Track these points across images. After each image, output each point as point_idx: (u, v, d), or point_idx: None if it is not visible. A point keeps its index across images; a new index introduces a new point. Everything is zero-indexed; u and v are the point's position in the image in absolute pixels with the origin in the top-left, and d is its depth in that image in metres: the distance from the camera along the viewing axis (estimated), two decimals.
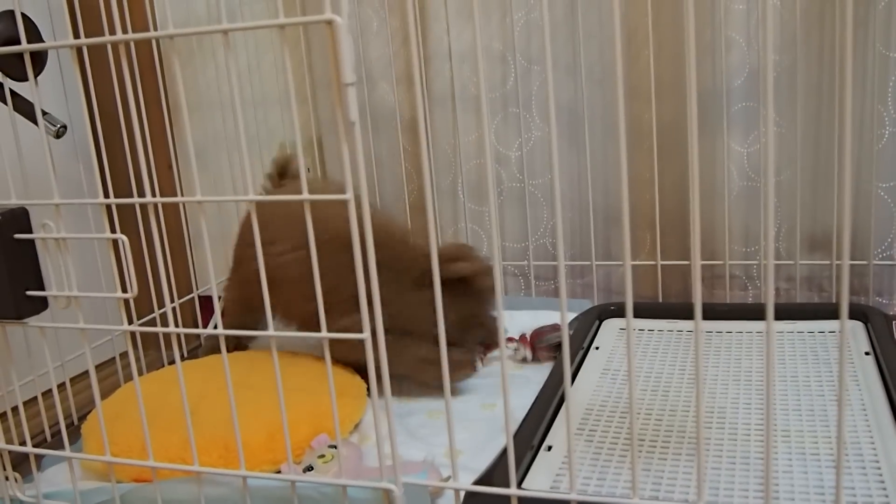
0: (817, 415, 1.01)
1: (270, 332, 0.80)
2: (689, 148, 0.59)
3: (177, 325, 1.54)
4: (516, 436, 0.99)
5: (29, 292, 0.86)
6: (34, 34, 0.99)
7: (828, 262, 1.45)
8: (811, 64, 1.40)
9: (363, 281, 0.72)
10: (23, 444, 0.95)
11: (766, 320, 0.63)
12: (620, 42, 0.63)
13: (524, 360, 1.34)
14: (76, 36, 1.24)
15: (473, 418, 1.19)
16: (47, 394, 0.99)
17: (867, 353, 1.16)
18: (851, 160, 1.38)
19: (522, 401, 1.09)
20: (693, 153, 0.62)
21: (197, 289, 1.61)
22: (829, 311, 1.30)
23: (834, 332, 1.26)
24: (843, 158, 0.59)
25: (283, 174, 1.43)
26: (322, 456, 1.03)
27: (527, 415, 1.06)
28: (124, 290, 0.82)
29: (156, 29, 1.48)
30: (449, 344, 0.77)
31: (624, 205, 0.66)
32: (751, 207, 1.48)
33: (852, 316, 1.27)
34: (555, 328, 1.35)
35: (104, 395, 1.18)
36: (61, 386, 1.17)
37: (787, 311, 1.31)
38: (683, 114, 1.46)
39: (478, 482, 0.88)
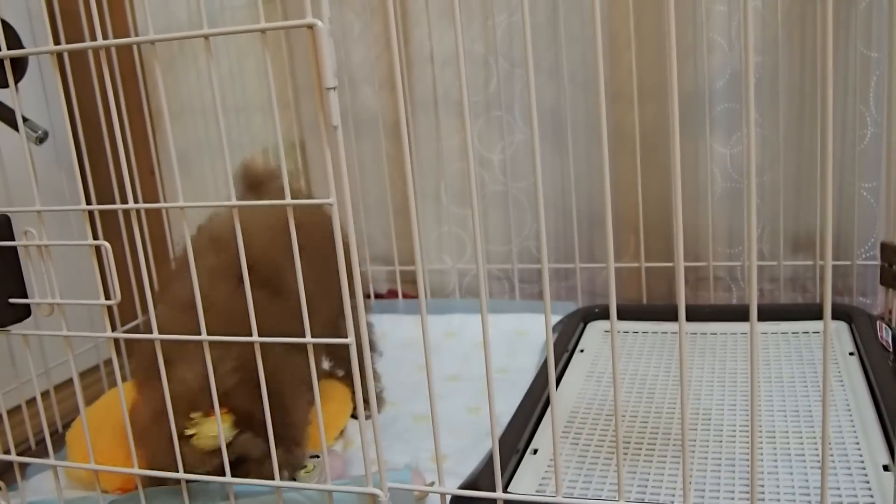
0: (802, 415, 1.02)
1: (255, 337, 0.79)
2: (671, 150, 0.59)
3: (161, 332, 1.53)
4: (502, 440, 0.99)
5: (12, 300, 0.86)
6: (14, 40, 0.99)
7: (811, 262, 1.45)
8: (793, 65, 1.40)
9: (348, 287, 0.72)
10: (7, 452, 0.95)
11: (751, 321, 0.63)
12: (602, 45, 0.63)
13: None
14: (56, 42, 1.23)
15: (459, 423, 1.19)
16: (31, 402, 0.98)
17: (851, 354, 1.17)
18: (834, 160, 1.38)
19: (508, 404, 1.08)
20: (675, 155, 0.62)
21: None
22: (812, 312, 1.31)
23: (818, 332, 1.26)
24: (826, 159, 0.59)
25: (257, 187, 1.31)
26: (304, 467, 1.03)
27: (512, 419, 1.05)
28: (108, 297, 0.82)
29: (137, 35, 1.48)
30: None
31: (607, 207, 0.66)
32: (734, 209, 1.48)
33: (836, 316, 1.27)
34: None
35: (88, 403, 1.17)
36: (45, 394, 1.16)
37: (771, 312, 1.31)
38: (666, 116, 1.47)
39: (464, 486, 0.88)
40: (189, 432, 0.86)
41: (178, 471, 0.86)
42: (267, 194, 1.17)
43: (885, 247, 1.37)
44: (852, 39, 1.34)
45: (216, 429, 0.85)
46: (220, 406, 0.86)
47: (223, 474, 0.84)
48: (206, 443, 0.86)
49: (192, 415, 0.87)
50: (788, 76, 1.40)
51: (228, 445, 0.86)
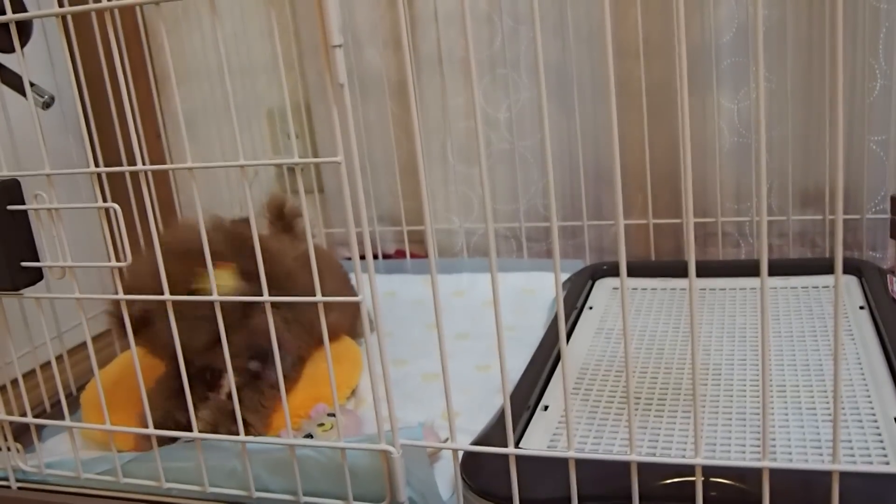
0: (812, 369, 1.02)
1: (265, 297, 0.80)
2: (679, 106, 0.59)
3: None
4: (512, 396, 0.99)
5: (24, 263, 0.86)
6: (18, 4, 0.98)
7: (820, 217, 1.45)
8: (800, 17, 1.39)
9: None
10: (23, 415, 0.96)
11: (761, 276, 0.63)
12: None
13: None
14: (60, 5, 1.23)
15: (468, 380, 1.19)
16: (45, 366, 0.99)
17: (861, 308, 1.17)
18: (843, 114, 1.37)
19: (517, 362, 1.09)
20: (684, 111, 0.62)
21: None
22: (822, 267, 1.30)
23: (828, 286, 1.26)
24: (836, 112, 0.59)
25: (280, 217, 1.35)
26: (321, 424, 1.04)
27: (522, 375, 1.06)
28: (118, 259, 0.82)
29: None
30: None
31: (615, 164, 0.65)
32: (742, 164, 1.48)
33: (846, 270, 1.27)
34: None
35: (101, 366, 1.18)
36: (59, 358, 1.17)
37: (780, 267, 1.31)
38: (672, 71, 1.46)
39: (475, 443, 0.88)
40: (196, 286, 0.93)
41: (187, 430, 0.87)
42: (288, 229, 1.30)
43: (894, 200, 1.36)
44: None
45: (223, 278, 0.94)
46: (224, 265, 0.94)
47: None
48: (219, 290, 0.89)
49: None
50: (796, 29, 1.39)
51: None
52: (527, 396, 1.00)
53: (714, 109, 1.44)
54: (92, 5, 0.80)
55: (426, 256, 1.65)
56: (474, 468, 0.85)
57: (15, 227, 0.85)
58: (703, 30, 1.42)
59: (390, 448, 0.80)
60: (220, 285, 0.90)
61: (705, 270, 1.33)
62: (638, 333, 1.18)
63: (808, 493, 0.75)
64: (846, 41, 1.36)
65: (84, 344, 0.91)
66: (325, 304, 0.79)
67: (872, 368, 1.00)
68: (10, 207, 0.85)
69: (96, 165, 0.86)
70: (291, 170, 1.74)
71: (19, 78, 0.89)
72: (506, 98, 1.58)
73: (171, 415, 1.02)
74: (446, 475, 0.92)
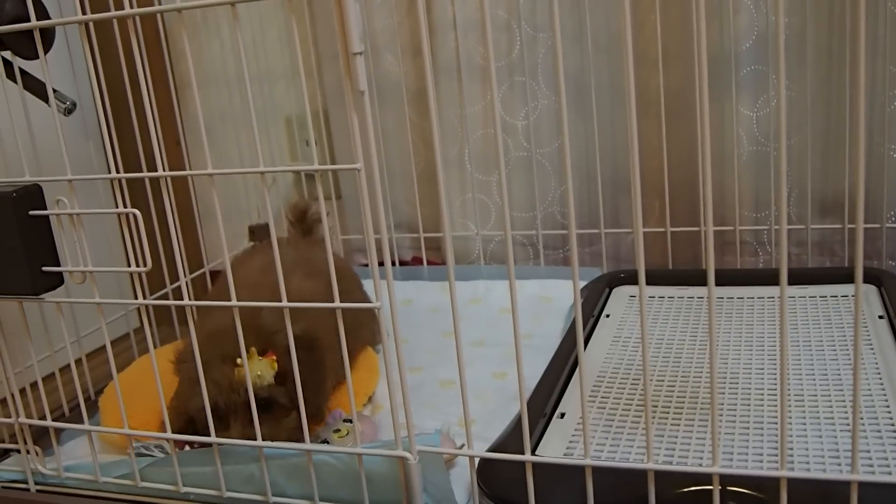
0: (831, 379, 1.02)
1: (284, 303, 0.80)
2: (698, 113, 0.59)
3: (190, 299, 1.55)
4: (529, 403, 0.99)
5: (45, 268, 0.87)
6: (42, 12, 0.99)
7: (839, 225, 1.44)
8: (820, 25, 1.38)
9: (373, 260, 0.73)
10: (42, 418, 0.96)
11: (780, 285, 0.63)
12: (628, 7, 0.62)
13: None
14: (83, 12, 1.24)
15: (485, 387, 1.19)
16: (65, 369, 1.00)
17: (881, 317, 1.16)
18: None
19: (534, 369, 1.09)
20: (703, 118, 0.61)
21: (207, 263, 1.61)
22: (841, 276, 1.30)
23: (847, 296, 1.25)
24: (857, 120, 0.59)
25: (301, 220, 1.40)
26: (337, 430, 1.04)
27: (539, 383, 1.06)
28: (138, 265, 0.83)
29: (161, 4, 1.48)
30: None
31: (634, 172, 0.65)
32: (761, 172, 1.47)
33: (866, 280, 1.27)
34: None
35: (119, 370, 1.19)
36: (78, 361, 1.18)
37: (799, 276, 1.31)
38: (691, 79, 1.45)
39: (492, 450, 0.88)
40: (239, 361, 0.94)
41: (208, 433, 0.88)
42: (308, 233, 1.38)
43: None
44: None
45: (262, 368, 0.96)
46: (268, 353, 0.97)
47: (242, 409, 0.94)
48: (246, 376, 0.92)
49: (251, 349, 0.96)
50: (815, 37, 1.39)
51: (263, 387, 0.96)
52: (543, 404, 1.00)
53: (733, 117, 1.44)
54: (114, 13, 0.80)
55: (443, 263, 1.65)
56: (490, 475, 0.85)
57: (37, 232, 0.86)
58: (722, 37, 1.42)
59: (407, 454, 0.80)
60: (260, 375, 0.96)
61: (723, 279, 1.33)
62: (655, 341, 1.18)
63: (826, 503, 0.74)
64: (867, 49, 1.35)
65: (102, 348, 0.91)
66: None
67: (891, 378, 1.00)
68: (32, 213, 0.85)
69: (117, 171, 0.86)
70: (309, 176, 1.75)
71: (42, 84, 0.90)
72: (524, 106, 1.58)
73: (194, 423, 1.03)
74: (463, 482, 0.92)
